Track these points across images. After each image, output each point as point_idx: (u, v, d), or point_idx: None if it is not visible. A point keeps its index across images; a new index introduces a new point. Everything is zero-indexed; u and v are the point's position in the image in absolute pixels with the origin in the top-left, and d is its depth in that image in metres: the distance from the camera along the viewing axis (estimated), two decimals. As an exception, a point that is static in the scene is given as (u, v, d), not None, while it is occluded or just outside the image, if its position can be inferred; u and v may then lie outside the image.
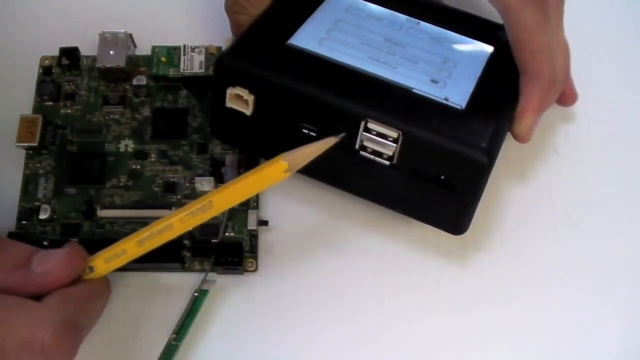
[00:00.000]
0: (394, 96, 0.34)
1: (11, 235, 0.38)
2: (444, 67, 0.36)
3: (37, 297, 0.31)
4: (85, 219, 0.38)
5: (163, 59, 0.41)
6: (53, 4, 0.45)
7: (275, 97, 0.35)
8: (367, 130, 0.33)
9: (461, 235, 0.35)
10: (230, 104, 0.36)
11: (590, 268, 0.38)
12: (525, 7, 0.35)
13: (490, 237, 0.39)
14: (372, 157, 0.34)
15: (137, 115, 0.41)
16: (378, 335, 0.37)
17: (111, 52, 0.40)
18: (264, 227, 0.38)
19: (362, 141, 0.34)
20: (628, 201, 0.40)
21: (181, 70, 0.41)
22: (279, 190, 0.39)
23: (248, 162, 0.39)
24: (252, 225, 0.38)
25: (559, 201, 0.40)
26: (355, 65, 0.35)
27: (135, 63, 0.42)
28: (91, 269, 0.33)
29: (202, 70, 0.41)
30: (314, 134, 0.35)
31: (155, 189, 0.39)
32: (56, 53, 0.42)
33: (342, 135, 0.34)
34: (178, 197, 0.39)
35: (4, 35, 0.44)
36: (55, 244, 0.36)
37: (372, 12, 0.39)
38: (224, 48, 0.40)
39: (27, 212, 0.38)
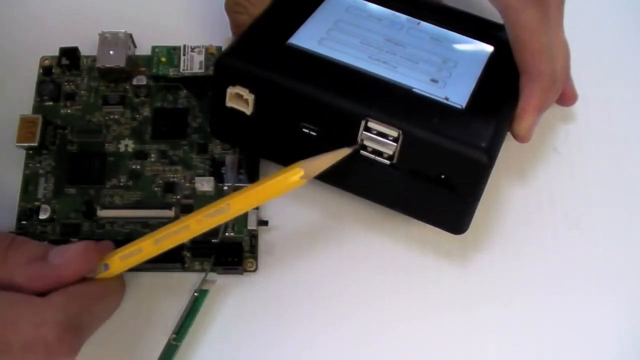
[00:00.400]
0: (394, 96, 0.34)
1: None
2: (444, 67, 0.36)
3: (43, 292, 0.31)
4: (85, 219, 0.38)
5: (163, 59, 0.41)
6: (53, 4, 0.45)
7: (275, 97, 0.35)
8: (367, 129, 0.33)
9: (461, 235, 0.35)
10: (230, 103, 0.35)
11: (590, 268, 0.38)
12: (525, 7, 0.35)
13: (490, 237, 0.39)
14: (372, 156, 0.34)
15: (137, 115, 0.41)
16: (378, 335, 0.37)
17: (111, 52, 0.40)
18: (264, 227, 0.38)
19: (362, 140, 0.34)
20: (628, 201, 0.40)
21: (181, 70, 0.41)
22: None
23: (248, 162, 0.39)
24: (252, 225, 0.38)
25: (559, 201, 0.40)
26: (355, 65, 0.35)
27: (135, 63, 0.42)
28: (106, 266, 0.33)
29: (202, 70, 0.41)
30: (314, 134, 0.35)
31: (155, 189, 0.39)
32: (56, 53, 0.42)
33: (356, 146, 0.34)
34: (178, 197, 0.39)
35: (4, 35, 0.44)
36: (56, 244, 0.36)
37: (372, 12, 0.39)
38: (224, 48, 0.40)
39: (27, 212, 0.38)
